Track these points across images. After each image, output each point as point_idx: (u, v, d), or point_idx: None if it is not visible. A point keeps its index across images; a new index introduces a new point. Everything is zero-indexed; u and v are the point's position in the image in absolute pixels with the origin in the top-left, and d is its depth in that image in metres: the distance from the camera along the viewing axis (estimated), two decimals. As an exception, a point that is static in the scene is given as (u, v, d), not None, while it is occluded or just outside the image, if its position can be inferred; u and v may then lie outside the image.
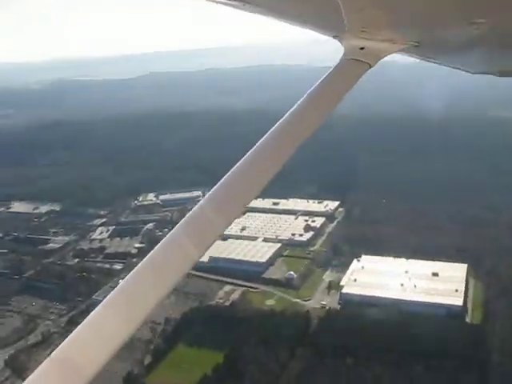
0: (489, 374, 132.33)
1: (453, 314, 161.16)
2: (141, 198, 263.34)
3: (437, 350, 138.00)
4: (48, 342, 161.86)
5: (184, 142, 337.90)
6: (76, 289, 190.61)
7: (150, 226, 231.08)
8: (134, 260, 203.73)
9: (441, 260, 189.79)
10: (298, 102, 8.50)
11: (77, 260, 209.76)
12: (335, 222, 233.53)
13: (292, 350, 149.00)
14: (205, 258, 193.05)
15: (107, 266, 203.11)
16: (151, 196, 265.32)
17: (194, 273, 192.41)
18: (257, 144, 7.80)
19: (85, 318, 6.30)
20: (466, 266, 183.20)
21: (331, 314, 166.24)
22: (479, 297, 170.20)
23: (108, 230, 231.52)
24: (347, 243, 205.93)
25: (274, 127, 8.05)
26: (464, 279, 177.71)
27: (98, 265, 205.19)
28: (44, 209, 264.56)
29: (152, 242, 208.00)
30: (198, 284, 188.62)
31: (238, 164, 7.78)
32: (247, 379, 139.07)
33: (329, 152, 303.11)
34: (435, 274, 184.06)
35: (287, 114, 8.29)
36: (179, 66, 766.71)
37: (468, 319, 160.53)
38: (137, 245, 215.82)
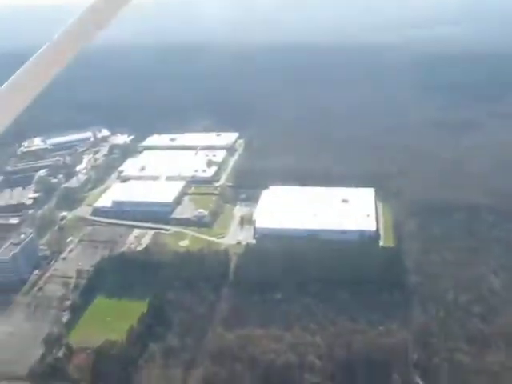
0: (408, 293, 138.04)
1: (367, 239, 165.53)
2: (26, 144, 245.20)
3: (357, 276, 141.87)
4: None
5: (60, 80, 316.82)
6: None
7: (42, 172, 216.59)
8: (30, 212, 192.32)
9: (348, 186, 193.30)
10: None
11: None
12: (236, 155, 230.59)
13: (216, 290, 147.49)
14: (107, 203, 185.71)
15: (1, 221, 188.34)
16: (37, 141, 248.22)
17: (99, 219, 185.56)
18: None
19: None
20: (372, 190, 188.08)
21: (249, 250, 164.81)
22: (389, 220, 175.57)
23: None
24: (251, 175, 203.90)
25: None
26: (373, 203, 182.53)
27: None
28: None
29: (47, 190, 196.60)
30: (104, 231, 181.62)
31: None
32: (176, 327, 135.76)
33: (220, 83, 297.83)
34: (345, 201, 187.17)
35: None
36: None
37: (382, 242, 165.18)
38: (31, 195, 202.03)
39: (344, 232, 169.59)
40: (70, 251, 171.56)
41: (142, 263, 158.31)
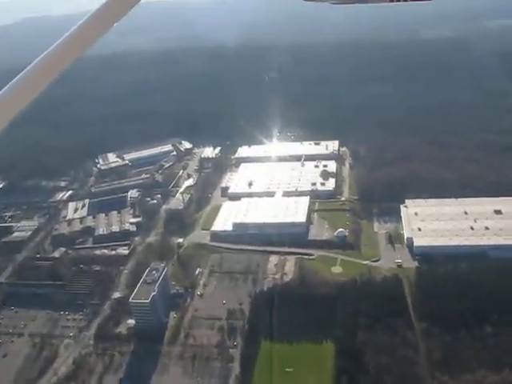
0: None
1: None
2: (101, 161, 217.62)
3: None
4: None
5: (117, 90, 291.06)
6: (80, 289, 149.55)
7: (133, 193, 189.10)
8: (137, 238, 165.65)
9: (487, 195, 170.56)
10: None
11: (62, 250, 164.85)
12: (347, 165, 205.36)
13: (409, 326, 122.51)
14: (227, 226, 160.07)
15: (108, 252, 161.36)
16: (112, 157, 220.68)
17: (222, 245, 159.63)
18: None
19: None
20: None
21: (420, 275, 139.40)
22: None
23: (84, 205, 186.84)
24: (377, 188, 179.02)
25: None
26: None
27: (96, 252, 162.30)
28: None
29: (148, 213, 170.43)
30: (234, 259, 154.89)
31: None
32: (385, 375, 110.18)
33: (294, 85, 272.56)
34: (498, 212, 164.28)
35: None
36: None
37: None
38: (132, 220, 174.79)
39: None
40: (205, 286, 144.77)
41: (302, 297, 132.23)
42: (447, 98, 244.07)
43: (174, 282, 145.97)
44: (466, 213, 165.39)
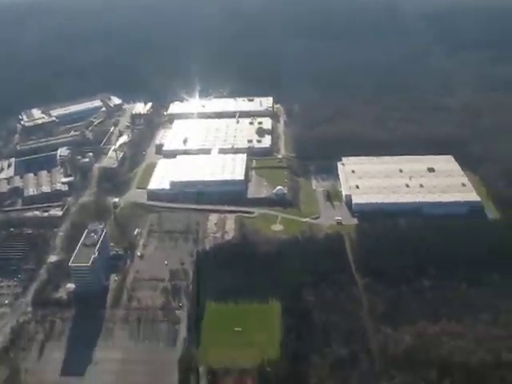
0: None
1: (474, 212, 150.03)
2: (25, 118, 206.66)
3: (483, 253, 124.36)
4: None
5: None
6: (12, 254, 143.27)
7: (63, 151, 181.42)
8: (70, 199, 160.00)
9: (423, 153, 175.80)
10: None
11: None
12: (282, 122, 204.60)
13: (352, 282, 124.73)
14: (163, 184, 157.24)
15: (39, 213, 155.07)
16: (37, 113, 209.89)
17: (160, 204, 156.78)
18: None
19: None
20: (451, 157, 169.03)
21: (360, 232, 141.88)
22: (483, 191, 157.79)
23: (10, 165, 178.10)
24: (310, 145, 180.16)
25: None
26: (461, 171, 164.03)
27: (27, 214, 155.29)
28: None
29: (80, 172, 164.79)
30: (173, 218, 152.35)
31: None
32: (333, 332, 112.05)
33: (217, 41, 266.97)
34: (431, 170, 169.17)
35: None
36: None
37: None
38: (64, 179, 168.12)
39: (450, 205, 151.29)
40: (145, 246, 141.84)
41: (244, 256, 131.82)
42: (378, 57, 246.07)
43: (112, 244, 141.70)
44: (401, 170, 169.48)
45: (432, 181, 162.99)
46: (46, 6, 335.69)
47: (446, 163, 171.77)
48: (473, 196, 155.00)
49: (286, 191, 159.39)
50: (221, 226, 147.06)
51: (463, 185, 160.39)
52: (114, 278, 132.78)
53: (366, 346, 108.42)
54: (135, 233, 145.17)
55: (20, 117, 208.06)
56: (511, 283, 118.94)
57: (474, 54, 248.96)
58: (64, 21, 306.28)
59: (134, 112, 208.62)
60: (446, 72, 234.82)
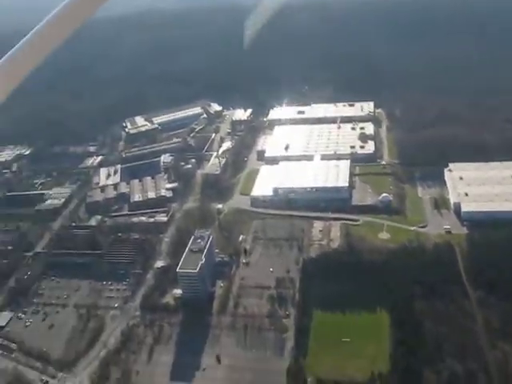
0: None
1: None
2: (129, 125, 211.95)
3: None
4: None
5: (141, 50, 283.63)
6: (120, 258, 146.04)
7: (166, 158, 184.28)
8: (174, 205, 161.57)
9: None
10: None
11: (98, 218, 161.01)
12: (384, 127, 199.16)
13: (465, 294, 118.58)
14: (266, 191, 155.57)
15: (146, 219, 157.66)
16: (140, 120, 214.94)
17: (263, 211, 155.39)
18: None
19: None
20: None
21: (471, 241, 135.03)
22: None
23: (116, 171, 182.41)
24: (414, 150, 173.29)
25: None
26: None
27: (134, 220, 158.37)
28: (7, 155, 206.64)
29: (184, 178, 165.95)
30: (277, 225, 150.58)
31: None
32: (447, 346, 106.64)
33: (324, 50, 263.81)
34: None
35: None
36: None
37: None
38: (168, 185, 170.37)
39: None
40: (250, 254, 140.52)
41: (351, 264, 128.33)
42: (477, 57, 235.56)
43: (217, 250, 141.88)
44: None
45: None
46: (143, 18, 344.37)
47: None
48: None
49: (391, 198, 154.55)
50: (326, 234, 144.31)
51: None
52: (219, 284, 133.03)
53: (482, 362, 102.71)
54: (240, 239, 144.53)
55: (124, 124, 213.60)
56: None
57: None
58: (164, 29, 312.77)
59: (234, 118, 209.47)
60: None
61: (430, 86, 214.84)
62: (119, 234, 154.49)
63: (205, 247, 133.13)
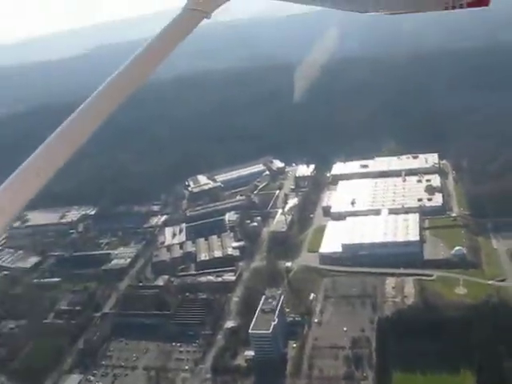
0: None
1: None
2: (192, 184, 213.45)
3: None
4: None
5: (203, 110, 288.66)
6: (189, 319, 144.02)
7: (231, 216, 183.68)
8: (241, 264, 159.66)
9: None
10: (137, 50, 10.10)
11: (165, 277, 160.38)
12: (451, 178, 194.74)
13: None
14: (335, 247, 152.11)
15: (213, 278, 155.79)
16: (203, 179, 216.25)
17: (333, 268, 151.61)
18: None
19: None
20: None
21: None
22: None
23: (181, 230, 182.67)
24: (485, 201, 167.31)
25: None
26: None
27: (201, 279, 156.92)
28: (73, 216, 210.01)
29: (250, 236, 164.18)
30: (348, 282, 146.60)
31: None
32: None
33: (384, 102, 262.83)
34: None
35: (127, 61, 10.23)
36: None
37: None
38: (234, 244, 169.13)
39: None
40: (322, 312, 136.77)
41: (429, 322, 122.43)
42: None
43: (288, 309, 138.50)
44: None
45: None
46: (203, 77, 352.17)
47: None
48: None
49: (465, 251, 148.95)
50: (399, 290, 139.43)
51: None
52: (292, 345, 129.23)
53: None
54: (311, 298, 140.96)
55: (186, 183, 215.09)
56: None
57: None
58: (223, 88, 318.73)
59: (297, 175, 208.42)
60: None
61: (494, 135, 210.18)
62: (187, 294, 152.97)
63: (277, 307, 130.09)
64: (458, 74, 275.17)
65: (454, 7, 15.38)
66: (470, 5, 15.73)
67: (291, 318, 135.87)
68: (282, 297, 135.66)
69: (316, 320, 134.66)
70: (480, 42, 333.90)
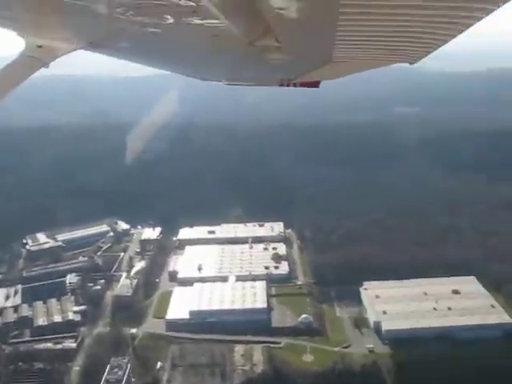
0: None
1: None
2: (30, 242, 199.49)
3: None
4: None
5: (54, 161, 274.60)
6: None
7: (72, 278, 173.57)
8: (83, 329, 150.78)
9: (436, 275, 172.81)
10: None
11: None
12: (295, 247, 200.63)
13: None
14: (182, 314, 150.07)
15: (52, 345, 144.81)
16: (42, 237, 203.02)
17: (180, 335, 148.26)
18: None
19: None
20: (473, 278, 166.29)
21: (396, 360, 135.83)
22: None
23: (16, 292, 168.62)
24: (328, 270, 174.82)
25: None
26: (485, 291, 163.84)
27: (38, 347, 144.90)
28: None
29: (92, 300, 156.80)
30: (196, 350, 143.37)
31: None
32: None
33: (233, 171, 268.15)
34: (456, 292, 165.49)
35: None
36: None
37: None
38: (76, 308, 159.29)
39: (483, 327, 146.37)
40: (169, 382, 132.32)
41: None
42: (385, 182, 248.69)
43: (134, 379, 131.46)
44: (425, 293, 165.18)
45: (459, 303, 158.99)
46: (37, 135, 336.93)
47: (470, 284, 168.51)
48: (505, 318, 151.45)
49: (311, 319, 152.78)
50: (248, 358, 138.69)
51: (492, 306, 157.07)
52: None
53: None
54: (158, 367, 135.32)
55: (24, 241, 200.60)
56: None
57: (470, 175, 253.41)
58: (65, 142, 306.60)
59: (143, 237, 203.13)
60: (447, 192, 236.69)
61: (334, 207, 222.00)
62: (20, 364, 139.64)
63: (123, 377, 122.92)
64: (299, 149, 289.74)
65: (288, 85, 17.73)
66: (302, 85, 18.00)
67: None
68: (129, 366, 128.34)
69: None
70: (315, 119, 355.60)
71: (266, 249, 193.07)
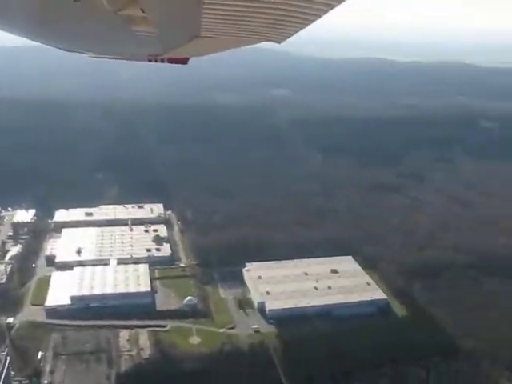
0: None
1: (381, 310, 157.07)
2: None
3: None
4: None
5: None
6: None
7: None
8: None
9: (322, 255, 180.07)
10: None
11: None
12: (176, 229, 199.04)
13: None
14: (63, 300, 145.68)
15: None
16: None
17: (61, 322, 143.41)
18: None
19: None
20: (351, 257, 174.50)
21: (282, 339, 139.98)
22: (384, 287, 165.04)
23: None
24: (211, 251, 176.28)
25: None
26: (362, 271, 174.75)
27: None
28: None
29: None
30: (80, 338, 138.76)
31: None
32: None
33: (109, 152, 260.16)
34: (335, 271, 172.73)
35: None
36: None
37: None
38: None
39: (360, 304, 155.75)
40: (52, 372, 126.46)
41: (169, 375, 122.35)
42: (261, 163, 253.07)
43: (14, 372, 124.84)
44: (306, 273, 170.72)
45: (338, 282, 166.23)
46: None
47: (348, 264, 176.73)
48: (379, 294, 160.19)
49: (196, 301, 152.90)
50: (134, 343, 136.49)
51: (368, 284, 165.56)
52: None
53: None
54: (39, 357, 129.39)
55: None
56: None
57: (342, 159, 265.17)
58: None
59: (15, 220, 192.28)
60: (322, 175, 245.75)
61: (212, 187, 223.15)
62: None
63: (2, 371, 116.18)
64: (173, 129, 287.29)
65: (156, 61, 18.21)
66: (171, 61, 18.45)
67: (17, 383, 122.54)
68: (8, 358, 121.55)
69: (46, 381, 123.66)
70: (191, 99, 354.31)
71: (146, 231, 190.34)
